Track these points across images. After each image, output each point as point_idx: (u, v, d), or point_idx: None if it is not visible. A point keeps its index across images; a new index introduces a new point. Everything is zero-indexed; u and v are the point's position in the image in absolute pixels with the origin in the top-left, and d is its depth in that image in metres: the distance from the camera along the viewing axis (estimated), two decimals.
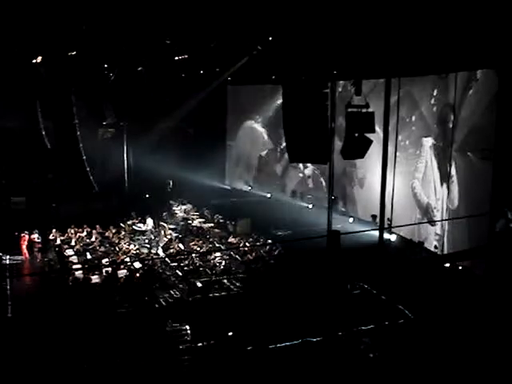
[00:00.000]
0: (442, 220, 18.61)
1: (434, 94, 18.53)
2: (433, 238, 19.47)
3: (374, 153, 18.05)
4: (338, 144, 18.85)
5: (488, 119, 15.23)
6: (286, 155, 27.11)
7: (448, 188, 18.07)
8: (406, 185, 20.33)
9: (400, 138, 19.67)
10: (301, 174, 27.03)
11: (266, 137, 28.77)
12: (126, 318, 14.38)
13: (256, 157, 29.26)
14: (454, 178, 17.78)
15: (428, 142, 19.24)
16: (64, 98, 18.39)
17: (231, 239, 21.37)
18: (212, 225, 23.46)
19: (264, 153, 28.95)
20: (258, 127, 28.94)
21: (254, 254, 19.20)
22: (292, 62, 18.37)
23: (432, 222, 19.24)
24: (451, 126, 17.52)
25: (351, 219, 23.15)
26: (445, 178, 18.41)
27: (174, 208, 25.67)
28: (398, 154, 19.13)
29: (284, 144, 27.14)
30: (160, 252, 19.85)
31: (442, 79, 17.79)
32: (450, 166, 17.78)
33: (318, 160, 18.46)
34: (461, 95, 16.67)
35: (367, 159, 18.85)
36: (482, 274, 15.75)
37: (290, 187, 27.63)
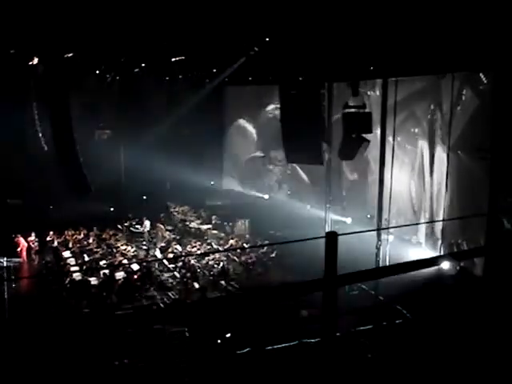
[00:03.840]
0: (440, 220, 18.66)
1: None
2: (429, 237, 19.57)
3: (374, 154, 18.20)
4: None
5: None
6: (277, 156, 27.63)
7: (446, 187, 18.29)
8: (406, 185, 20.63)
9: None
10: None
11: (257, 138, 28.87)
12: (123, 319, 14.33)
13: (251, 158, 29.30)
14: (449, 178, 18.21)
15: (425, 146, 19.82)
16: (61, 100, 18.31)
17: (229, 240, 21.34)
18: (210, 226, 23.44)
19: (256, 154, 29.06)
20: (251, 128, 29.01)
21: (251, 256, 19.18)
22: (289, 63, 18.36)
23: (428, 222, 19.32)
24: (446, 132, 18.44)
25: (349, 219, 23.14)
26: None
27: (171, 209, 25.64)
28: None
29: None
30: (157, 253, 19.82)
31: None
32: (448, 165, 18.11)
33: (314, 161, 18.45)
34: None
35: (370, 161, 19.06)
36: (481, 275, 15.77)
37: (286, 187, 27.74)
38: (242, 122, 29.29)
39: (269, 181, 28.52)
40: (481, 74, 16.73)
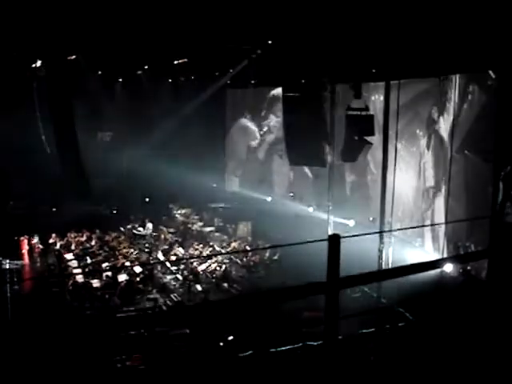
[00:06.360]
0: (443, 223, 18.59)
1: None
2: (434, 240, 19.49)
3: (379, 157, 18.18)
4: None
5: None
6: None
7: (449, 188, 18.24)
8: (411, 187, 20.62)
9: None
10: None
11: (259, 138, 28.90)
12: (125, 322, 14.32)
13: (251, 160, 29.32)
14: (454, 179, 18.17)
15: (430, 147, 19.79)
16: (63, 102, 18.37)
17: (231, 243, 21.32)
18: (212, 229, 23.41)
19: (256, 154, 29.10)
20: (253, 128, 29.03)
21: (253, 258, 19.16)
22: (291, 66, 18.36)
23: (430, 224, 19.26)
24: (452, 132, 18.21)
25: (352, 222, 23.06)
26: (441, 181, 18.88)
27: (173, 212, 25.63)
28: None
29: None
30: (160, 256, 19.80)
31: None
32: (454, 166, 18.11)
33: (317, 163, 18.44)
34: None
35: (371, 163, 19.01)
36: (485, 277, 15.70)
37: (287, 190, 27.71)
38: (244, 121, 29.30)
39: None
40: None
